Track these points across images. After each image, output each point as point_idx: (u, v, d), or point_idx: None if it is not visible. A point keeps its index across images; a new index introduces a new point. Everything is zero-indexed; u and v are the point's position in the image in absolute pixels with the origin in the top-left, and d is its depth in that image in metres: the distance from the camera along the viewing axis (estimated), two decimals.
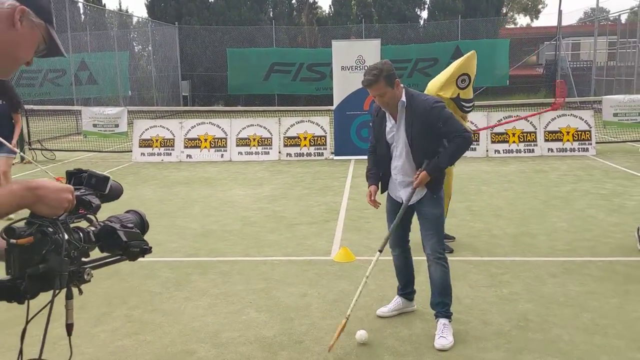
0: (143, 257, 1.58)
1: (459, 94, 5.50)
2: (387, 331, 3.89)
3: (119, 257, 1.56)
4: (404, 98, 3.74)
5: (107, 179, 1.60)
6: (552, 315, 4.11)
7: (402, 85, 3.77)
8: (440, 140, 3.75)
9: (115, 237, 1.52)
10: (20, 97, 7.74)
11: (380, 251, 3.95)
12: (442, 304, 3.83)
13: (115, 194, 1.67)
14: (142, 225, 1.66)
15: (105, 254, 1.55)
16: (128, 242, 1.53)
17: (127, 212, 1.69)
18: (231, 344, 3.76)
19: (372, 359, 3.54)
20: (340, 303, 4.39)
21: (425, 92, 5.39)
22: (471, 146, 5.14)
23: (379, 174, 4.02)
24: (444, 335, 3.71)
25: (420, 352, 3.61)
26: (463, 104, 5.53)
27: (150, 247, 1.61)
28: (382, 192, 4.08)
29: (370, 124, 4.12)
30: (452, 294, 3.90)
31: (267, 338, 3.83)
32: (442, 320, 3.79)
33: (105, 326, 4.06)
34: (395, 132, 3.81)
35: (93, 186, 1.59)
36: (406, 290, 4.17)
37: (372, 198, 3.96)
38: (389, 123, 3.85)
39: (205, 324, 4.08)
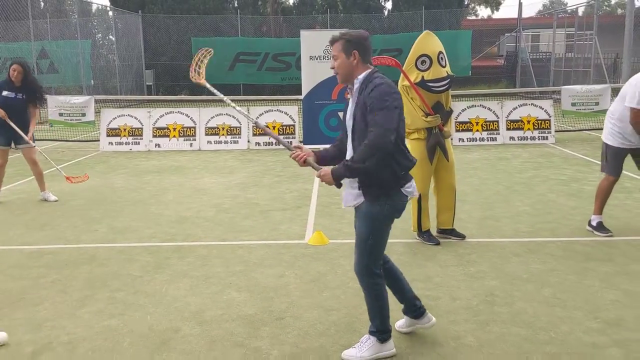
0: None
1: (422, 76, 5.29)
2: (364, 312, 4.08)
3: None
4: (362, 76, 3.26)
5: None
6: (516, 291, 4.37)
7: (371, 66, 3.31)
8: None
9: None
10: (44, 91, 7.73)
11: None
12: (370, 320, 3.48)
13: None
14: None
15: None
16: None
17: None
18: (215, 321, 3.91)
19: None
20: (317, 283, 4.57)
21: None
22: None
23: (326, 151, 3.64)
24: (355, 346, 3.44)
25: (400, 337, 3.80)
26: (430, 85, 5.27)
27: None
28: None
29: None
30: (379, 317, 3.41)
31: (249, 315, 3.99)
32: (366, 335, 3.48)
33: (90, 308, 4.15)
34: (348, 114, 3.37)
35: None
36: (410, 310, 3.65)
37: (299, 156, 3.55)
38: (350, 104, 3.39)
39: (187, 304, 4.21)
